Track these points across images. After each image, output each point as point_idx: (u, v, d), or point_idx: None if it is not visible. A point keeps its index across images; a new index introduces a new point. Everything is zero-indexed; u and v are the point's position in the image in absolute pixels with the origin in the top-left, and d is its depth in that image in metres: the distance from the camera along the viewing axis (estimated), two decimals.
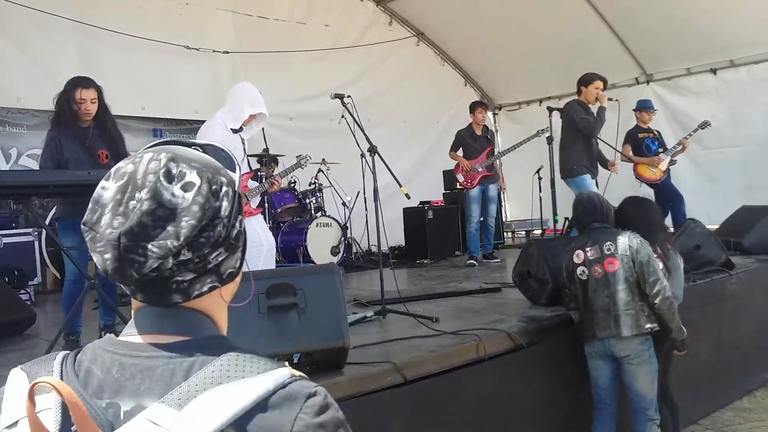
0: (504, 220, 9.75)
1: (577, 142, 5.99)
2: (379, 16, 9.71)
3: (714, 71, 8.69)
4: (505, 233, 9.57)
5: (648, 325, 3.29)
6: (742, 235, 5.82)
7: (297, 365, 2.52)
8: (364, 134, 4.38)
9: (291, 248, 6.95)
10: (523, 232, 9.88)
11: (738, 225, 6.06)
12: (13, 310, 4.47)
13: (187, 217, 0.84)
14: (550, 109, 6.40)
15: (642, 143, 6.99)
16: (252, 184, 4.73)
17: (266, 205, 6.74)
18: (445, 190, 8.94)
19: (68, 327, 3.83)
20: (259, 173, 6.18)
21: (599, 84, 6.07)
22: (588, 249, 3.45)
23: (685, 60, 8.82)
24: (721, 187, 8.61)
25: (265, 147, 7.33)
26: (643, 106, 7.20)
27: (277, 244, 7.28)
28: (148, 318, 0.89)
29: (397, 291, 4.31)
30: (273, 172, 6.66)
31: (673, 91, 9.09)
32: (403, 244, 8.30)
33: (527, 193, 8.29)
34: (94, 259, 0.86)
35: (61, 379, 0.84)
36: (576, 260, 3.50)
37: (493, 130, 10.96)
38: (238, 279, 0.97)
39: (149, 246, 0.82)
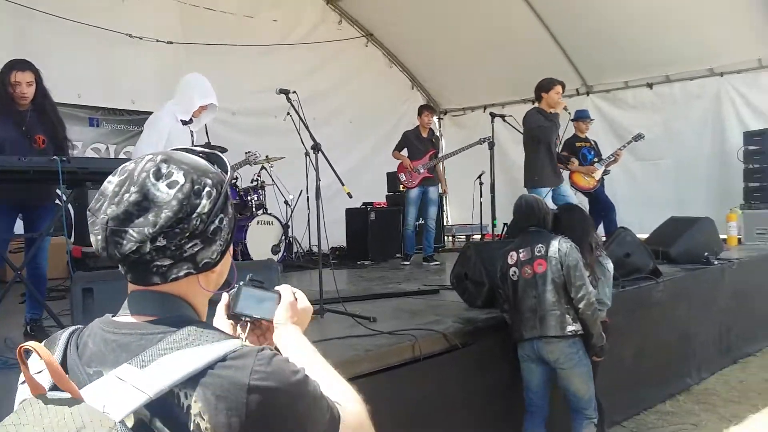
0: (445, 223, 9.86)
1: (539, 151, 6.03)
2: (329, 14, 9.68)
3: (650, 86, 9.06)
4: (446, 237, 9.68)
5: (571, 328, 3.37)
6: (669, 244, 6.06)
7: None
8: (309, 131, 4.37)
9: None
10: (464, 237, 10.02)
11: (666, 235, 6.30)
12: None
13: (166, 210, 0.99)
14: (493, 115, 6.53)
15: (579, 152, 7.20)
16: None
17: None
18: (388, 192, 9.00)
19: None
20: None
21: (559, 89, 6.13)
22: (521, 251, 3.56)
23: (623, 74, 9.15)
24: (652, 197, 8.95)
25: (207, 141, 7.19)
26: (581, 116, 7.43)
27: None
28: (134, 301, 1.06)
29: (336, 291, 4.31)
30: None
31: (612, 103, 9.41)
32: (345, 244, 8.29)
33: (468, 198, 8.40)
34: (91, 240, 1.02)
35: (67, 348, 1.04)
36: (509, 261, 3.60)
37: (438, 134, 11.10)
38: (219, 269, 1.11)
39: (129, 230, 0.99)
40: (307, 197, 6.88)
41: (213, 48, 7.95)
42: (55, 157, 3.54)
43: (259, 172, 7.52)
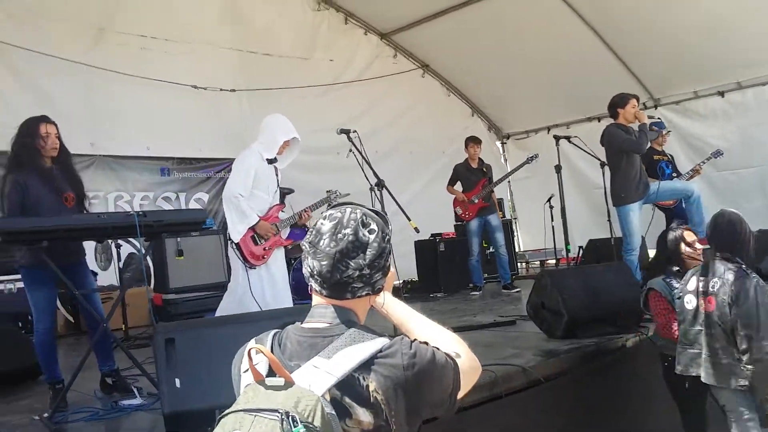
0: (517, 250, 9.66)
1: (622, 168, 5.79)
2: (383, 49, 9.76)
3: (722, 94, 8.65)
4: (518, 264, 9.47)
5: (742, 382, 2.97)
6: (760, 260, 5.69)
7: None
8: (371, 168, 4.37)
9: (303, 285, 6.85)
10: (537, 262, 9.77)
11: (756, 250, 5.92)
12: (26, 357, 4.39)
13: (370, 250, 1.46)
14: (557, 138, 6.39)
15: (656, 166, 6.89)
16: (282, 215, 4.73)
17: None
18: (456, 222, 8.86)
19: (49, 376, 3.76)
20: None
21: (634, 102, 5.94)
22: (701, 279, 3.20)
23: (691, 83, 8.81)
24: (740, 208, 8.47)
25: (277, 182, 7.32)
26: (659, 128, 7.12)
27: (288, 281, 7.22)
28: (318, 311, 1.49)
29: None
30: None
31: (682, 114, 9.04)
32: (416, 277, 8.21)
33: (539, 222, 8.19)
34: (310, 265, 1.48)
35: (271, 347, 1.45)
36: (689, 286, 3.25)
37: (502, 160, 10.96)
38: (381, 294, 1.56)
39: (350, 262, 1.45)
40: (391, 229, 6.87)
41: (272, 92, 8.13)
42: (131, 212, 3.64)
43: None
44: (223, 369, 1.58)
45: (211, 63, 7.89)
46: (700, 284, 3.19)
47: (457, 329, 4.63)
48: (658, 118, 7.75)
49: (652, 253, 7.88)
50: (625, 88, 9.03)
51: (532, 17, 8.52)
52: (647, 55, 8.68)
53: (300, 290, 6.94)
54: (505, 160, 11.03)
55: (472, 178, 7.55)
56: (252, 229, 4.36)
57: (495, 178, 7.85)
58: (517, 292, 7.09)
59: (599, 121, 9.48)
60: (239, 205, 4.30)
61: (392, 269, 1.62)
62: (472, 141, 7.78)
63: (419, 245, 8.01)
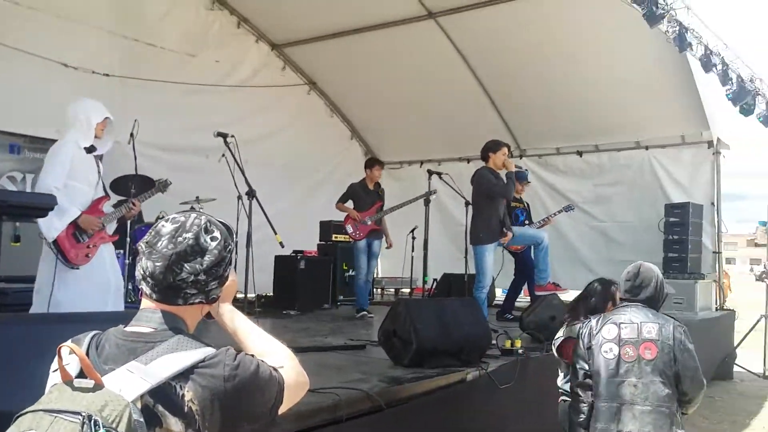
0: (375, 276, 9.80)
1: (485, 210, 6.12)
2: (273, 59, 9.65)
3: (580, 153, 9.41)
4: (374, 289, 9.61)
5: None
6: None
7: None
8: (245, 177, 4.29)
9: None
10: (392, 290, 9.96)
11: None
12: None
13: (209, 256, 1.45)
14: (430, 173, 6.62)
15: (512, 212, 7.33)
16: (108, 208, 4.40)
17: (128, 239, 6.33)
18: (320, 240, 8.85)
19: None
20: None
21: (506, 150, 6.33)
22: (624, 326, 3.07)
23: (555, 140, 9.51)
24: (585, 259, 9.27)
25: (134, 173, 6.93)
26: (519, 177, 7.53)
27: (135, 283, 6.81)
28: (144, 316, 1.44)
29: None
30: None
31: (543, 167, 9.72)
32: (272, 292, 8.07)
33: (400, 251, 8.38)
34: (144, 266, 1.43)
35: (87, 348, 1.39)
36: (606, 335, 3.10)
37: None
38: (215, 303, 1.55)
39: (186, 265, 1.42)
40: (236, 242, 6.68)
41: (150, 83, 7.76)
42: None
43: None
44: (34, 370, 1.48)
45: (87, 43, 7.39)
46: (623, 332, 3.07)
47: (306, 349, 4.60)
48: (525, 170, 8.26)
49: (498, 292, 8.37)
50: (497, 134, 9.59)
51: (419, 54, 8.83)
52: (521, 109, 9.29)
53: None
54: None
55: (367, 199, 7.46)
56: (73, 224, 3.98)
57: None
58: (370, 317, 7.17)
59: (468, 162, 9.91)
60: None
61: (233, 278, 1.60)
62: (378, 163, 7.71)
63: (279, 260, 7.89)
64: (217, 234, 1.47)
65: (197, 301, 1.46)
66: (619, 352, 3.03)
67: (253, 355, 1.45)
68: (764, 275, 10.50)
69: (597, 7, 5.50)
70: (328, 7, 8.40)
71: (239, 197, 5.48)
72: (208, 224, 1.48)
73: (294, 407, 3.10)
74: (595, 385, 3.10)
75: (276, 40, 9.46)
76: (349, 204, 7.49)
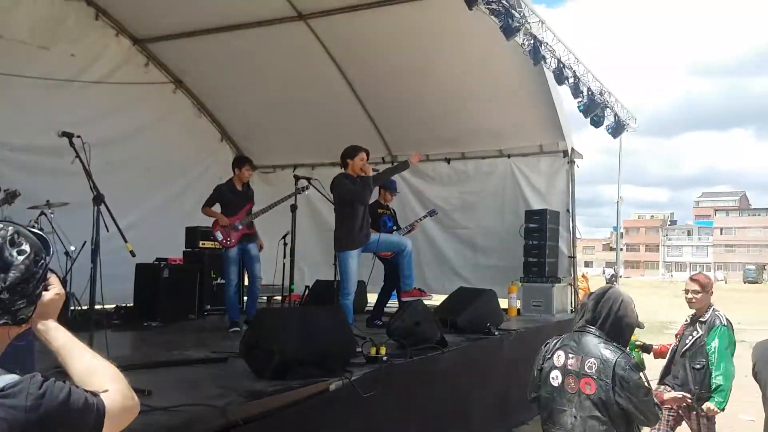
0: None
1: (346, 216, 6.07)
2: (135, 55, 9.14)
3: (448, 161, 9.73)
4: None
5: None
6: (458, 314, 6.37)
7: None
8: (91, 181, 4.00)
9: None
10: (265, 298, 9.74)
11: (455, 305, 6.65)
12: None
13: (14, 272, 1.31)
14: (297, 177, 6.53)
15: (379, 219, 7.40)
16: None
17: None
18: (186, 248, 8.46)
19: None
20: None
21: (363, 156, 6.28)
22: (571, 355, 3.00)
23: (424, 148, 9.70)
24: (452, 263, 9.60)
25: None
26: (388, 187, 7.61)
27: None
28: None
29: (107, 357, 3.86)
30: None
31: (414, 174, 9.91)
32: (132, 303, 7.62)
33: (272, 258, 8.21)
34: None
35: None
36: (556, 361, 3.05)
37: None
38: (25, 325, 1.39)
39: None
40: (92, 249, 6.25)
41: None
42: None
43: (38, 218, 6.72)
44: None
45: None
46: (569, 361, 3.00)
47: (164, 363, 4.35)
48: (393, 180, 8.26)
49: (371, 297, 8.41)
50: (369, 141, 9.70)
51: (291, 56, 8.71)
52: (392, 115, 9.44)
53: None
54: None
55: (236, 201, 6.89)
56: None
57: None
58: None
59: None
60: None
61: (57, 293, 1.48)
62: (247, 162, 7.11)
63: (140, 269, 7.43)
64: (25, 247, 1.33)
65: (2, 322, 1.32)
66: (563, 381, 3.00)
67: (65, 381, 1.32)
68: (613, 278, 11.33)
69: (457, 17, 5.67)
70: (194, 3, 8.08)
71: (98, 198, 5.12)
72: (16, 236, 1.33)
73: (142, 429, 2.94)
74: (541, 410, 3.12)
75: (138, 34, 8.97)
76: (216, 208, 6.98)
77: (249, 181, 7.22)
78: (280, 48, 8.59)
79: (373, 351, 4.80)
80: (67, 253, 6.84)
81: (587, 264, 76.86)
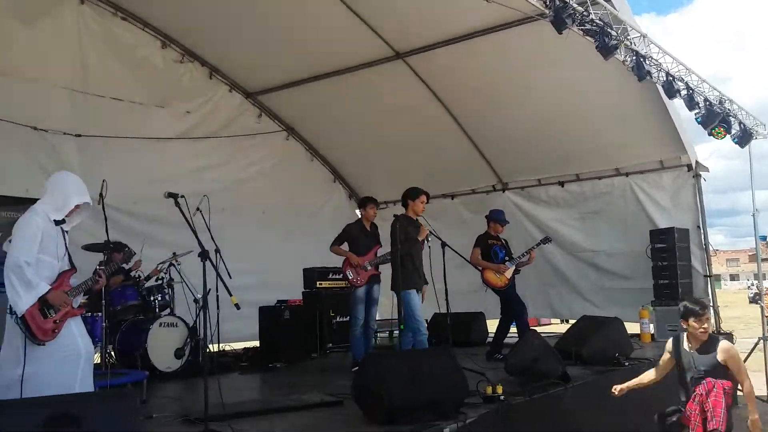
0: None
1: (406, 256, 6.05)
2: (248, 107, 9.64)
3: (562, 184, 9.35)
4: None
5: None
6: (582, 344, 6.02)
7: None
8: (197, 237, 4.18)
9: (129, 351, 6.38)
10: (387, 333, 9.70)
11: (579, 335, 6.29)
12: None
13: None
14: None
15: (490, 249, 7.21)
16: (74, 281, 4.29)
17: (104, 301, 6.19)
18: (304, 288, 8.66)
19: None
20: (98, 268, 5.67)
21: (424, 198, 6.38)
22: None
23: (535, 172, 9.48)
24: (576, 288, 9.25)
25: (106, 239, 6.79)
26: (497, 218, 7.40)
27: (114, 345, 6.65)
28: None
29: (221, 406, 3.97)
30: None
31: (526, 199, 9.66)
32: (258, 344, 7.89)
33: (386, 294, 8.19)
34: None
35: None
36: None
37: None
38: None
39: None
40: (217, 295, 6.51)
41: (119, 140, 7.73)
42: None
43: (167, 269, 7.16)
44: None
45: (52, 103, 7.36)
46: None
47: (277, 410, 4.39)
48: (501, 210, 7.99)
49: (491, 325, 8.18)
50: (479, 171, 9.67)
51: (394, 94, 8.84)
52: (498, 143, 9.29)
53: (126, 353, 6.45)
54: None
55: (365, 241, 6.83)
56: (42, 299, 3.87)
57: None
58: None
59: (453, 199, 9.99)
60: (24, 275, 3.78)
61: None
62: (371, 202, 7.10)
63: (263, 311, 7.71)
64: None
65: None
66: None
67: None
68: (757, 297, 10.33)
69: (553, 39, 5.49)
70: (298, 54, 8.42)
71: (216, 250, 5.36)
72: None
73: None
74: None
75: (250, 88, 9.47)
76: (345, 247, 6.94)
77: (374, 221, 7.19)
78: (382, 87, 8.74)
79: (489, 390, 4.62)
80: (195, 300, 7.21)
81: (732, 278, 71.07)
